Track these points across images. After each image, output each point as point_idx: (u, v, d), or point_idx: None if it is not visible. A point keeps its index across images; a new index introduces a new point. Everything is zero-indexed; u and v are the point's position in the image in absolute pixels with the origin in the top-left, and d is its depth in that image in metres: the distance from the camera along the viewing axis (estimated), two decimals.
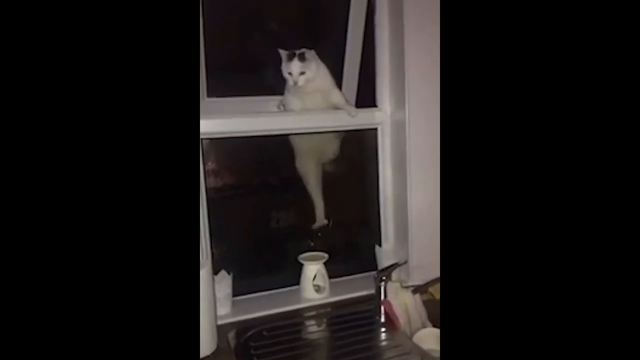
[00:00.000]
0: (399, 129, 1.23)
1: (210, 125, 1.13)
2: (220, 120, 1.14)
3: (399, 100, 1.21)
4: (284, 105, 1.24)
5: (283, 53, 1.16)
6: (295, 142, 1.31)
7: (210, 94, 1.21)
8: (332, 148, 1.34)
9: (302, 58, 1.14)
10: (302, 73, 1.14)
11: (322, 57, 1.19)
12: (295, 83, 1.15)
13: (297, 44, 1.18)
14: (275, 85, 1.24)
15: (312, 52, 1.16)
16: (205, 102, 1.20)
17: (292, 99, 1.21)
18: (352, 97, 1.34)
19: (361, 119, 1.28)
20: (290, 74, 1.14)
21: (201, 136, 1.15)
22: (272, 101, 1.26)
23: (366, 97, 1.30)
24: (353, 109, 1.24)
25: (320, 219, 1.36)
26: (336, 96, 1.23)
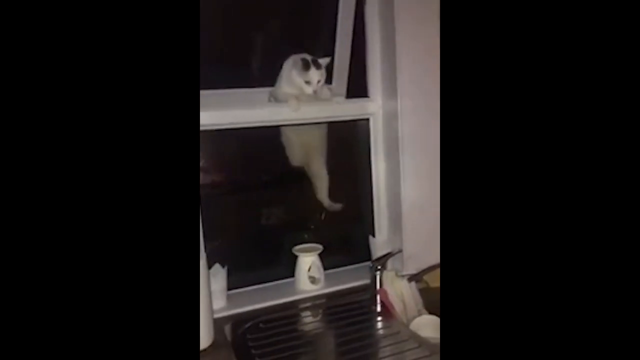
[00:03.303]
0: (391, 119, 1.23)
1: (203, 117, 1.11)
2: (213, 112, 1.13)
3: (391, 90, 1.21)
4: (274, 97, 1.23)
5: (297, 60, 1.14)
6: (288, 136, 1.30)
7: (202, 86, 1.19)
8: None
9: (318, 66, 1.14)
10: (319, 81, 1.15)
11: (312, 47, 1.18)
12: (315, 92, 1.15)
13: (285, 34, 1.17)
14: (265, 77, 1.23)
15: (327, 60, 1.16)
16: None
17: (287, 91, 1.19)
18: (343, 88, 1.33)
19: (353, 109, 1.28)
20: (308, 82, 1.14)
21: None
22: (263, 93, 1.25)
23: (357, 88, 1.30)
24: (340, 98, 1.25)
25: (326, 201, 1.35)
26: (324, 92, 1.21)
